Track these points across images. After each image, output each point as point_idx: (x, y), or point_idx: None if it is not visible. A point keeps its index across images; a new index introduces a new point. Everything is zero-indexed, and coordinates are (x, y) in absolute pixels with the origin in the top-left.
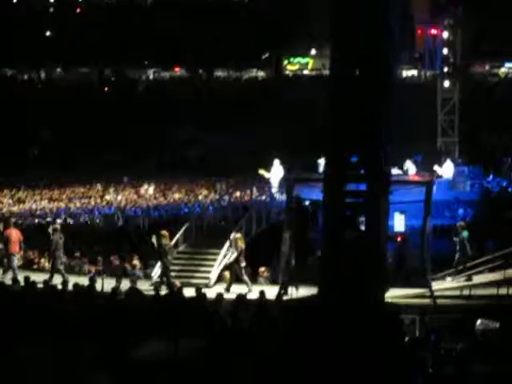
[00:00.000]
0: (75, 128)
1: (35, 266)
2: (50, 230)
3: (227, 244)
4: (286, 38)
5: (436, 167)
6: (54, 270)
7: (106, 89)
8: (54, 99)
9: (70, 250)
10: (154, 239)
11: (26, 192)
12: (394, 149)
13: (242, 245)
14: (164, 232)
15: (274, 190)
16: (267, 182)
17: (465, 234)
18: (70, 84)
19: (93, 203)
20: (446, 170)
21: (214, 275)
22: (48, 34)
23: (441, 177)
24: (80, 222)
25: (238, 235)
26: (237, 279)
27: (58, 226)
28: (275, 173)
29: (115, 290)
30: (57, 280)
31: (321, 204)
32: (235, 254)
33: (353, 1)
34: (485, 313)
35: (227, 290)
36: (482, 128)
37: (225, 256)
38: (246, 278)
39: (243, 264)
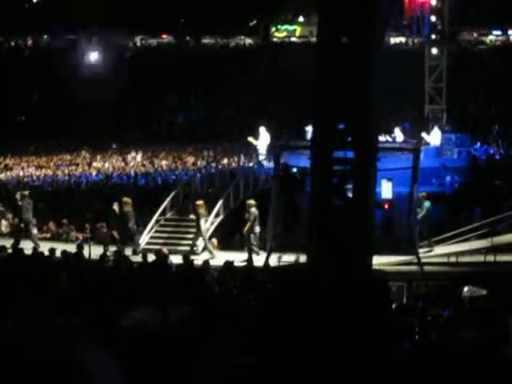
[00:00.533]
0: (62, 95)
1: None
2: (18, 196)
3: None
4: (274, 5)
5: (424, 134)
6: (32, 237)
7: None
8: (41, 66)
9: (57, 217)
10: (115, 206)
11: (12, 159)
12: (382, 116)
13: (254, 211)
14: (126, 199)
15: (262, 157)
16: (255, 149)
17: (427, 204)
18: (57, 50)
19: (80, 170)
20: (434, 137)
21: (201, 242)
22: (35, 0)
23: (428, 144)
24: (67, 189)
25: (200, 202)
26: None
27: (26, 192)
28: (262, 140)
29: (103, 257)
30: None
31: (308, 171)
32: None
33: None
34: (472, 280)
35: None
36: (469, 96)
37: (212, 223)
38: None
39: (257, 230)
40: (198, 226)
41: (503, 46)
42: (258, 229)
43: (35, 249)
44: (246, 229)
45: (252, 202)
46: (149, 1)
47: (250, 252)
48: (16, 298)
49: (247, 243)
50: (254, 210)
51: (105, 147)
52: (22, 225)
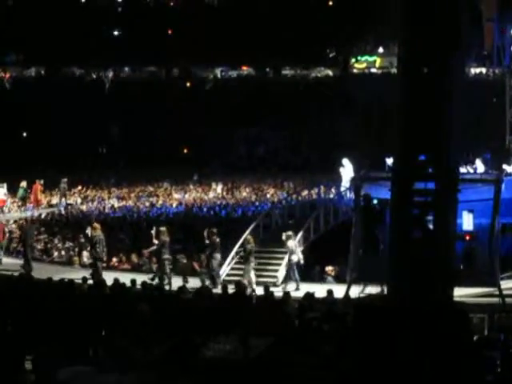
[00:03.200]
0: (144, 128)
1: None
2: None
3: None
4: (354, 36)
5: (505, 166)
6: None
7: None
8: (123, 98)
9: (137, 248)
10: (88, 230)
11: (94, 191)
12: (462, 147)
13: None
14: (95, 224)
15: (343, 188)
16: (334, 180)
17: None
18: (138, 83)
19: (161, 202)
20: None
21: (281, 274)
22: (116, 33)
23: (509, 175)
24: (147, 220)
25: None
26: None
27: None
28: (345, 171)
29: (182, 288)
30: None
31: (388, 203)
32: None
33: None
34: None
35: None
36: None
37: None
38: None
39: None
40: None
41: None
42: (218, 256)
43: (117, 280)
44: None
45: (214, 230)
46: (229, 33)
47: (212, 278)
48: (99, 329)
49: (207, 270)
50: (215, 237)
51: (186, 179)
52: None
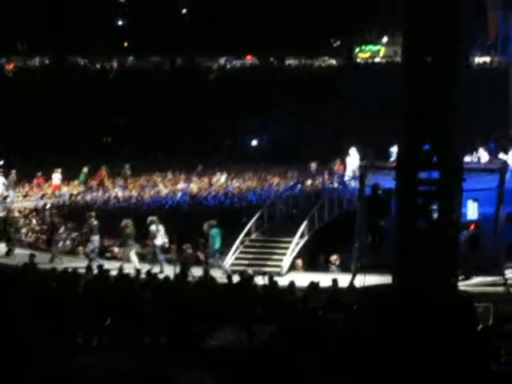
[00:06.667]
0: (149, 117)
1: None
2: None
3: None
4: (358, 26)
5: (501, 155)
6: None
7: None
8: (128, 88)
9: (141, 238)
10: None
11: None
12: (466, 136)
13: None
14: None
15: (347, 177)
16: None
17: None
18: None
19: (165, 192)
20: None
21: (286, 263)
22: (120, 23)
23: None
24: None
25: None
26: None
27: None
28: (352, 160)
29: (186, 277)
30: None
31: (393, 192)
32: None
33: None
34: None
35: None
36: None
37: (297, 244)
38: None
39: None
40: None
41: None
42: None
43: (121, 269)
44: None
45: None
46: (231, 23)
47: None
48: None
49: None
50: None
51: (190, 169)
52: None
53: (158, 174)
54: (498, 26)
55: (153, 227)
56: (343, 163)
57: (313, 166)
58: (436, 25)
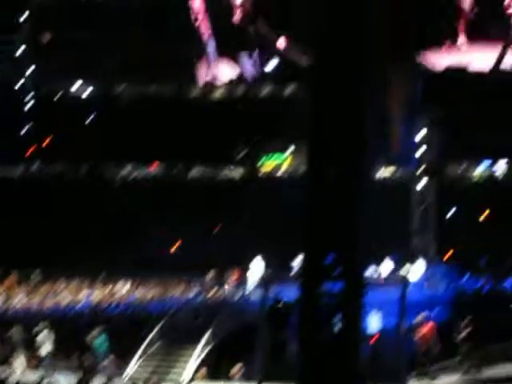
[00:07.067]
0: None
1: None
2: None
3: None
4: (264, 136)
5: (407, 266)
6: None
7: None
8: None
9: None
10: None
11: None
12: (370, 248)
13: None
14: None
15: (251, 287)
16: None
17: None
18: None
19: (68, 300)
20: (417, 269)
21: (188, 373)
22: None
23: (411, 277)
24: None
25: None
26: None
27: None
28: (255, 269)
29: None
30: None
31: (294, 305)
32: None
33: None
34: None
35: None
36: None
37: (200, 353)
38: None
39: None
40: None
41: (490, 179)
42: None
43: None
44: None
45: None
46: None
47: None
48: None
49: None
50: None
51: (94, 275)
52: None
53: (64, 280)
54: (401, 139)
55: (41, 336)
56: (241, 272)
57: (209, 276)
58: (338, 138)
